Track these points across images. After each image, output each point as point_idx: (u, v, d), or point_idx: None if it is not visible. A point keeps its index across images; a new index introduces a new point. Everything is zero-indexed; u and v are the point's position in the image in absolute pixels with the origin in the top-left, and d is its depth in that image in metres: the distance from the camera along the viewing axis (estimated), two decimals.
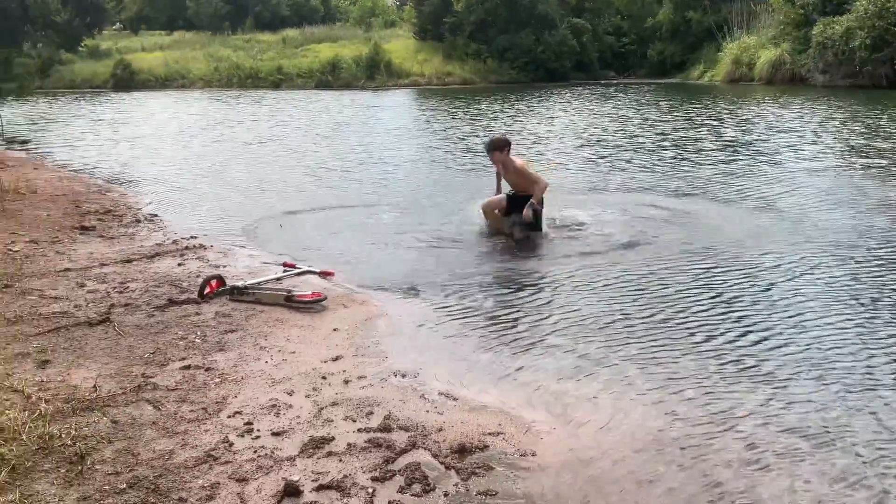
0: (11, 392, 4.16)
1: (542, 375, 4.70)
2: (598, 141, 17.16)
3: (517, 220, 8.25)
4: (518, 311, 6.00)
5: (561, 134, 18.80)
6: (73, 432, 3.76)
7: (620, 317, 5.78)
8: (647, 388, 4.48)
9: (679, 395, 4.38)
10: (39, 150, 17.59)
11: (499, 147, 8.29)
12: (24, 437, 3.64)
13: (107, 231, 8.64)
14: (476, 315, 5.92)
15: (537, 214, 8.28)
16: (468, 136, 18.42)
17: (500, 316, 5.89)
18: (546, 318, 5.81)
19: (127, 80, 48.96)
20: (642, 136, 18.04)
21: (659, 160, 14.03)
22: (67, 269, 6.90)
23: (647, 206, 9.90)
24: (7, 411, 3.83)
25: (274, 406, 4.21)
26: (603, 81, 48.63)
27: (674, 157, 14.31)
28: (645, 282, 6.67)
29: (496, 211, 8.52)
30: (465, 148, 16.43)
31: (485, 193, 9.33)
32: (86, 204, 10.24)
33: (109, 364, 4.75)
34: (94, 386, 4.37)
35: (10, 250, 7.40)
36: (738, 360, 4.88)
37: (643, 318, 5.75)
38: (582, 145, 16.50)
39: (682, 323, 5.62)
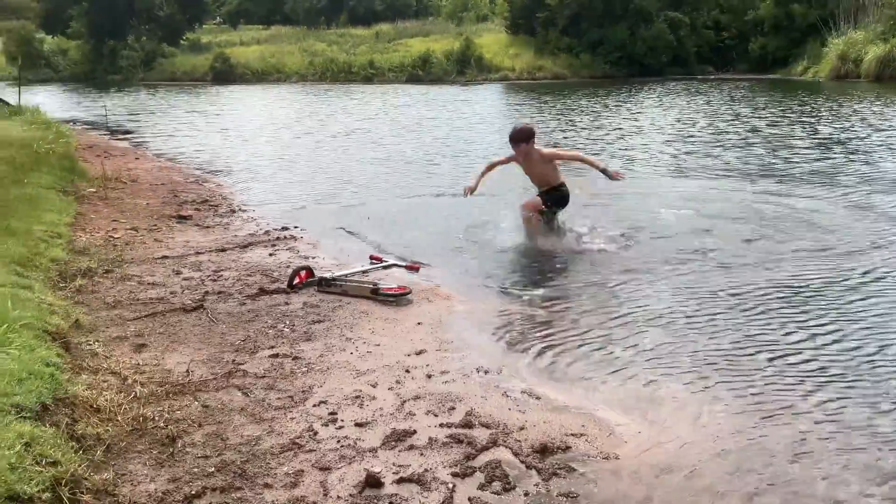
0: (109, 374, 4.34)
1: (627, 378, 4.61)
2: (687, 137, 16.74)
3: (607, 174, 7.61)
4: (604, 312, 5.90)
5: (647, 129, 18.43)
6: (166, 415, 3.90)
7: (705, 321, 5.62)
8: (731, 396, 4.34)
9: (764, 405, 4.22)
10: (141, 141, 18.31)
11: (527, 137, 7.60)
12: (119, 419, 3.78)
13: (203, 220, 8.91)
14: (561, 314, 5.85)
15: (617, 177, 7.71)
16: (553, 131, 18.24)
17: (585, 316, 5.81)
18: (631, 320, 5.70)
19: (225, 74, 50.41)
20: (732, 131, 17.51)
21: (746, 156, 13.59)
22: (165, 257, 7.15)
23: (730, 203, 9.60)
24: (105, 392, 3.99)
25: (358, 397, 4.26)
26: (700, 77, 47.39)
27: (762, 154, 13.84)
28: (729, 284, 6.46)
29: (536, 216, 7.93)
30: (548, 142, 16.27)
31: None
32: (183, 193, 10.59)
33: (202, 350, 4.90)
34: (187, 370, 4.51)
35: (112, 237, 7.72)
36: (823, 368, 4.68)
37: (729, 321, 5.57)
38: (667, 141, 16.13)
39: (768, 328, 5.42)
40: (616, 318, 5.73)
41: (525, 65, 48.46)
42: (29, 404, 3.36)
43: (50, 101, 31.42)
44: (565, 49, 49.12)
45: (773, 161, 13.15)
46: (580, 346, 5.17)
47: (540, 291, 6.41)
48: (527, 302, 6.14)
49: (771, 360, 4.85)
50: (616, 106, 25.44)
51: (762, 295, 6.16)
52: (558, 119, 21.32)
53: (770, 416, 4.08)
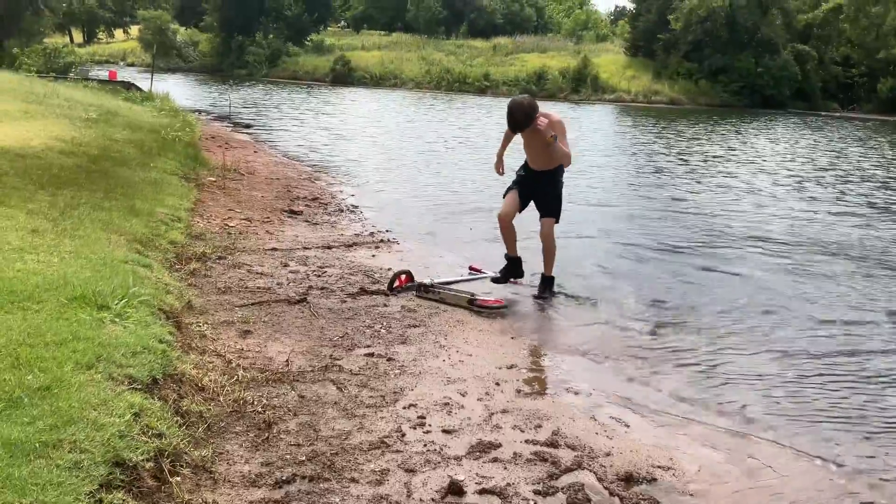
0: (215, 356, 4.54)
1: (724, 416, 4.52)
2: (786, 173, 16.18)
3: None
4: (710, 344, 5.79)
5: (739, 160, 17.89)
6: (265, 401, 4.05)
7: (813, 366, 5.44)
8: (839, 450, 4.19)
9: (874, 467, 4.06)
10: (261, 135, 19.01)
11: (533, 115, 6.27)
12: (221, 399, 3.96)
13: (312, 217, 9.19)
14: (662, 342, 5.77)
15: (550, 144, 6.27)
16: (656, 154, 17.95)
17: (687, 347, 5.71)
18: (737, 356, 5.57)
19: (345, 76, 51.79)
20: (834, 173, 16.82)
21: (839, 201, 13.03)
22: (274, 249, 7.42)
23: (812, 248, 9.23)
24: (210, 373, 4.18)
25: (447, 404, 4.32)
26: (823, 113, 45.73)
27: (858, 201, 13.24)
28: (847, 330, 6.23)
29: (513, 221, 6.76)
30: (654, 168, 16.02)
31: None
32: (296, 189, 10.95)
33: (302, 342, 5.07)
34: (287, 360, 4.68)
35: (227, 225, 8.06)
36: None
37: (846, 371, 5.38)
38: (755, 172, 15.63)
39: (873, 379, 5.20)
40: (721, 351, 5.61)
41: (641, 88, 47.90)
42: (141, 377, 3.56)
43: (179, 89, 32.94)
44: (685, 74, 48.24)
45: (871, 210, 12.57)
46: (677, 376, 5.09)
47: (641, 316, 6.35)
48: (625, 327, 6.09)
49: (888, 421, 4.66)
50: (724, 133, 24.81)
51: (884, 345, 5.91)
52: (668, 144, 20.97)
53: (878, 483, 3.92)
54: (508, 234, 6.73)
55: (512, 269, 6.82)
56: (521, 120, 6.28)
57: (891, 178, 17.29)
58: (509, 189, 6.79)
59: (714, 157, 19.55)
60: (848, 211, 12.36)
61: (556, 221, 6.70)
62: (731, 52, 48.17)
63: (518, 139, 6.79)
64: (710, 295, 7.15)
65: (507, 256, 6.83)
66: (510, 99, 6.48)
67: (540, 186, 6.68)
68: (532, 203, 6.80)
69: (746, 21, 48.27)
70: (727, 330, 6.16)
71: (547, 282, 6.76)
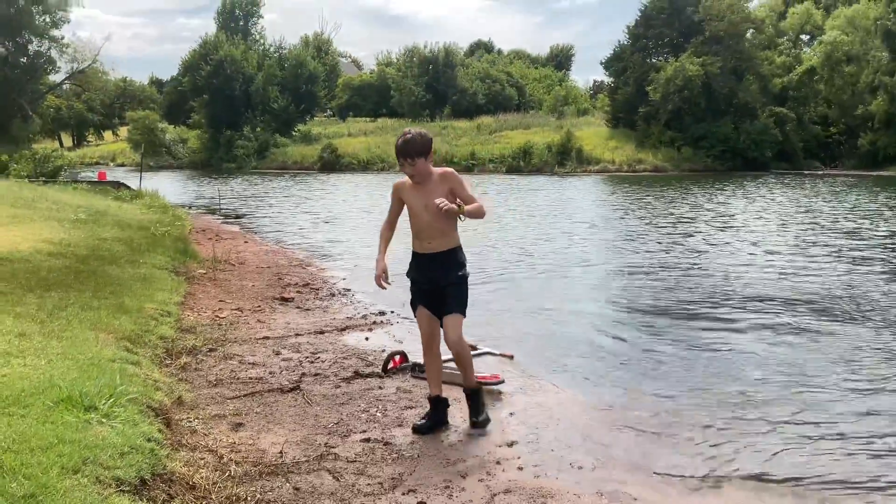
0: (206, 451, 4.43)
1: (731, 484, 4.40)
2: (761, 234, 16.28)
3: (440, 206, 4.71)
4: (708, 412, 5.69)
5: (716, 222, 18.03)
6: (258, 496, 3.93)
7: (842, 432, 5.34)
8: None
9: None
10: (251, 225, 19.11)
11: (426, 150, 4.91)
12: (213, 497, 3.83)
13: (304, 303, 9.14)
14: (663, 414, 5.67)
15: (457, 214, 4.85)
16: (646, 219, 18.07)
17: (691, 419, 5.61)
18: (737, 418, 5.47)
19: (332, 163, 52.47)
20: (816, 231, 16.93)
21: (826, 261, 13.06)
22: (266, 337, 7.34)
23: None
24: (201, 470, 4.06)
25: (447, 487, 4.20)
26: (806, 172, 46.38)
27: (849, 259, 13.28)
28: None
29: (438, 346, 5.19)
30: (641, 232, 16.10)
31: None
32: (287, 276, 10.92)
33: (296, 431, 4.96)
34: (281, 451, 4.56)
35: (218, 317, 7.99)
36: None
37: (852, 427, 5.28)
38: (733, 235, 15.71)
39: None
40: (722, 416, 5.51)
41: (625, 157, 48.62)
42: (129, 478, 3.46)
43: (169, 186, 33.25)
44: (667, 143, 49.08)
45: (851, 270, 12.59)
46: (684, 449, 4.98)
47: (645, 389, 6.26)
48: (624, 396, 6.00)
49: None
50: (703, 199, 25.07)
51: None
52: (651, 210, 21.15)
53: None
54: (433, 364, 5.17)
55: (439, 416, 5.15)
56: (413, 139, 4.85)
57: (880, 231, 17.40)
58: (414, 307, 5.15)
59: (708, 219, 19.71)
60: (844, 267, 12.38)
61: (464, 317, 5.04)
62: (711, 118, 49.14)
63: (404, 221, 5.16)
64: (718, 363, 7.09)
65: (430, 399, 5.17)
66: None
67: (443, 272, 4.97)
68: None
69: (723, 88, 49.37)
70: (735, 396, 6.07)
71: (475, 398, 5.18)
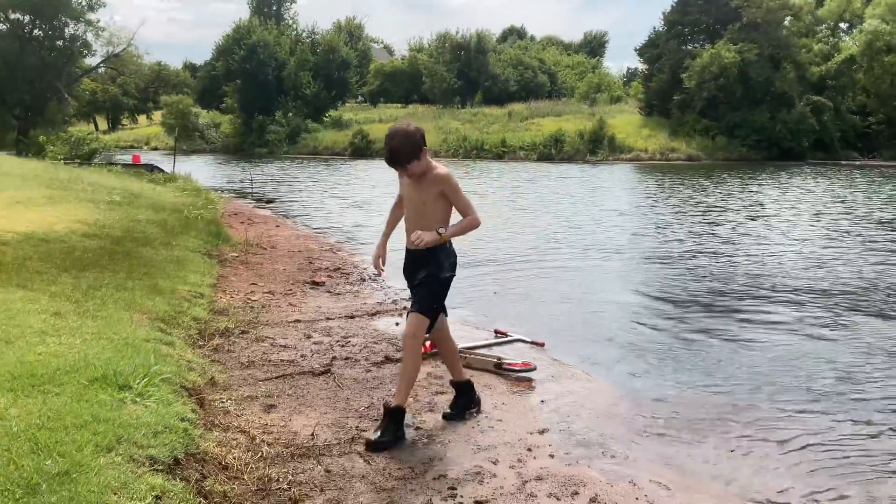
0: (239, 432, 4.44)
1: (772, 476, 4.33)
2: (816, 222, 16.01)
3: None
4: (741, 401, 5.61)
5: (749, 211, 17.77)
6: (290, 477, 3.93)
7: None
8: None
9: None
10: (282, 209, 19.19)
11: (416, 152, 4.48)
12: (245, 477, 3.84)
13: (335, 287, 9.15)
14: (695, 406, 5.60)
15: (436, 248, 4.64)
16: (674, 209, 17.87)
17: (725, 411, 5.53)
18: (773, 407, 5.39)
19: (363, 149, 52.48)
20: (851, 221, 16.62)
21: (859, 252, 12.82)
22: (297, 321, 7.36)
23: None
24: (233, 450, 4.08)
25: (478, 473, 4.17)
26: (844, 162, 45.52)
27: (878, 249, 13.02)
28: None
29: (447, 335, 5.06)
30: (673, 221, 15.93)
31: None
32: (318, 261, 10.94)
33: (327, 414, 4.96)
34: (312, 434, 4.56)
35: (250, 299, 8.03)
36: None
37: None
38: (765, 225, 15.46)
39: None
40: (758, 415, 5.43)
41: (658, 146, 48.03)
42: (162, 457, 3.47)
43: (201, 170, 33.51)
44: (702, 131, 48.39)
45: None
46: (716, 440, 4.91)
47: (676, 377, 6.20)
48: (656, 387, 5.94)
49: None
50: (731, 188, 24.74)
51: None
52: (685, 199, 20.91)
53: None
54: (446, 352, 5.07)
55: (466, 398, 5.06)
56: (398, 147, 4.43)
57: None
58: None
59: (740, 208, 19.46)
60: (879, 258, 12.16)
61: (431, 322, 4.68)
62: (746, 107, 48.38)
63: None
64: (751, 355, 7.00)
65: (452, 383, 5.12)
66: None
67: (414, 269, 4.74)
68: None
69: (759, 76, 48.58)
70: (767, 387, 5.99)
71: (395, 416, 4.52)
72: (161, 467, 3.40)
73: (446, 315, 4.94)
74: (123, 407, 3.84)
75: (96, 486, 3.01)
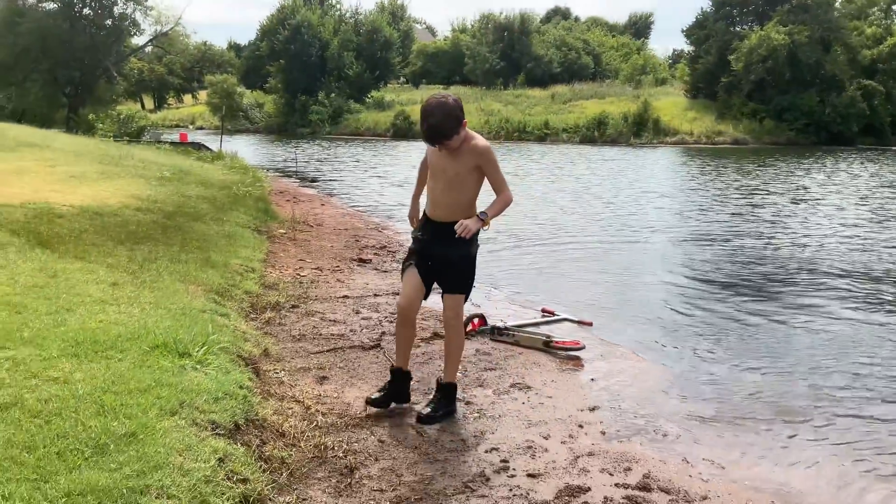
0: (293, 402, 4.51)
1: (826, 458, 4.29)
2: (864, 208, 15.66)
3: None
4: (797, 380, 5.55)
5: (797, 195, 17.42)
6: (345, 446, 4.00)
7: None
8: None
9: None
10: (326, 188, 19.33)
11: (457, 125, 4.19)
12: (302, 445, 3.91)
13: (381, 265, 9.21)
14: (749, 381, 5.56)
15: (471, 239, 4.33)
16: (720, 192, 17.61)
17: (779, 385, 5.48)
18: (823, 391, 5.32)
19: (405, 130, 52.48)
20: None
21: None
22: (345, 296, 7.43)
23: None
24: (289, 419, 4.15)
25: (530, 447, 4.19)
26: (895, 148, 44.44)
27: None
28: None
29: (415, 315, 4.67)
30: (720, 203, 15.71)
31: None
32: (364, 239, 11.02)
33: (379, 387, 5.00)
34: (365, 406, 4.61)
35: (299, 275, 8.12)
36: None
37: None
38: (810, 208, 15.15)
39: None
40: (811, 390, 5.37)
41: (704, 129, 47.33)
42: (223, 422, 3.55)
43: (246, 149, 33.82)
44: (749, 115, 47.53)
45: None
46: (772, 416, 4.89)
47: (727, 355, 6.17)
48: (707, 367, 5.90)
49: None
50: (810, 172, 24.30)
51: None
52: (732, 182, 20.61)
53: None
54: (406, 333, 4.61)
55: (397, 389, 4.63)
56: (438, 124, 4.12)
57: None
58: (405, 265, 4.59)
59: (788, 191, 19.14)
60: None
61: (466, 299, 4.59)
62: (795, 90, 47.39)
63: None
64: (801, 337, 6.91)
65: (393, 370, 4.64)
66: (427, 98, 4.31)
67: (442, 246, 4.41)
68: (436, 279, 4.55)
69: (809, 59, 47.52)
70: (818, 372, 5.91)
71: (447, 392, 4.59)
72: (222, 432, 3.47)
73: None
74: (184, 373, 3.92)
75: (162, 447, 3.09)
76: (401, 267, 4.66)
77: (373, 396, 4.53)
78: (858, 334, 6.95)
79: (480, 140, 4.33)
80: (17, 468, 2.79)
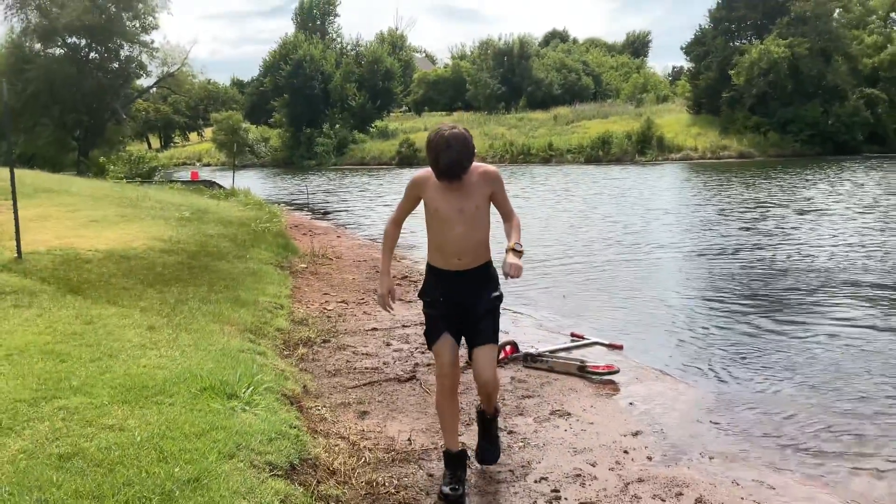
0: (339, 438, 4.54)
1: (880, 473, 4.30)
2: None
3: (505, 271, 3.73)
4: (840, 399, 5.56)
5: (807, 208, 17.42)
6: (395, 481, 4.01)
7: None
8: None
9: None
10: (340, 220, 19.43)
11: (473, 156, 3.80)
12: (353, 482, 3.93)
13: (405, 295, 9.23)
14: (785, 398, 5.57)
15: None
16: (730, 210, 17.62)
17: (814, 408, 5.49)
18: (860, 405, 5.33)
19: (410, 157, 52.79)
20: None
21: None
22: (375, 329, 7.46)
23: None
24: (339, 456, 4.17)
25: (579, 476, 4.20)
26: None
27: None
28: None
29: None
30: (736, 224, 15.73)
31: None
32: None
33: (420, 419, 5.03)
34: (409, 439, 4.64)
35: (326, 309, 8.17)
36: None
37: None
38: (820, 220, 15.14)
39: None
40: (847, 406, 5.37)
41: (708, 144, 47.48)
42: (280, 463, 3.58)
43: (256, 184, 34.04)
44: (753, 128, 47.68)
45: None
46: (815, 436, 4.88)
47: (755, 375, 6.16)
48: (742, 385, 5.91)
49: None
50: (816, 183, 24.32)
51: None
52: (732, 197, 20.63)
53: None
54: (452, 408, 4.02)
55: (462, 468, 4.00)
56: (460, 159, 3.68)
57: None
58: (436, 333, 3.97)
59: (797, 204, 19.15)
60: None
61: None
62: (798, 101, 47.54)
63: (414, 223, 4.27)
64: (828, 351, 6.92)
65: (451, 455, 3.97)
66: (433, 132, 3.80)
67: (474, 296, 3.95)
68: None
69: (810, 70, 47.71)
70: (850, 386, 5.91)
71: (488, 422, 4.21)
72: (280, 473, 3.50)
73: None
74: (235, 415, 3.96)
75: (227, 490, 3.12)
76: (427, 339, 4.05)
77: (446, 491, 3.83)
78: (881, 343, 6.95)
79: (486, 165, 3.98)
80: None
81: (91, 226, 10.53)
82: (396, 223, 4.20)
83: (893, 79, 50.02)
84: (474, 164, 3.82)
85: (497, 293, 3.99)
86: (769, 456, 4.56)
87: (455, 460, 3.94)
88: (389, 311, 4.27)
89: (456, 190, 3.79)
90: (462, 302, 3.91)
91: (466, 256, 3.88)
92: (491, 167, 3.97)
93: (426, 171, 3.87)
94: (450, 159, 3.65)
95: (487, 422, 4.22)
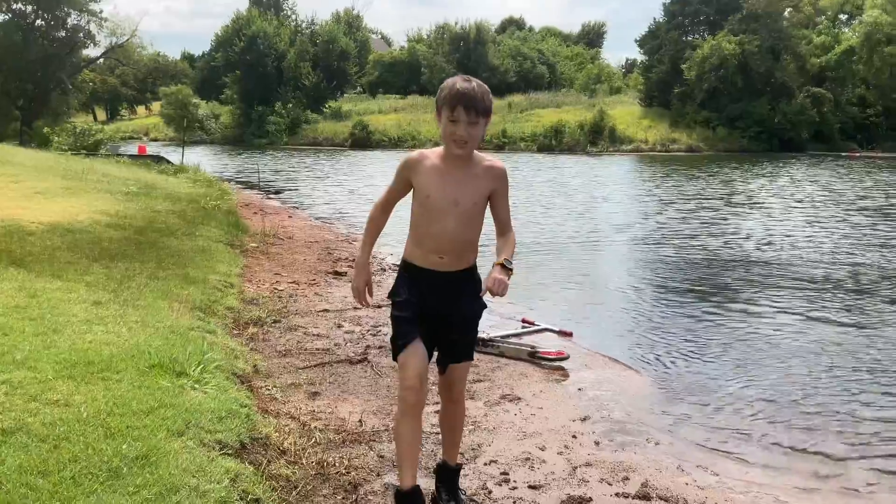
0: (289, 418, 4.51)
1: (821, 459, 4.44)
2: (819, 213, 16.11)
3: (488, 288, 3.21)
4: (783, 388, 5.71)
5: (750, 201, 17.88)
6: (346, 462, 4.00)
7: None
8: None
9: None
10: (291, 200, 19.25)
11: (491, 110, 3.25)
12: (304, 462, 3.91)
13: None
14: (728, 383, 5.71)
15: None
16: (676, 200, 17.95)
17: (764, 385, 5.64)
18: (799, 389, 5.49)
19: (363, 140, 52.56)
20: (837, 209, 16.75)
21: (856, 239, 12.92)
22: (326, 310, 7.42)
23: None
24: (289, 436, 4.14)
25: (528, 459, 4.25)
26: (844, 154, 45.67)
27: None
28: None
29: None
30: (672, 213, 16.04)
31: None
32: (336, 251, 11.01)
33: (371, 401, 5.03)
34: (360, 420, 4.63)
35: (277, 289, 8.09)
36: None
37: None
38: (761, 213, 15.57)
39: None
40: (801, 392, 5.53)
41: (658, 137, 48.20)
42: (230, 442, 3.54)
43: (205, 160, 33.46)
44: (702, 122, 48.54)
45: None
46: (761, 423, 5.02)
47: (699, 361, 6.31)
48: (687, 372, 6.03)
49: None
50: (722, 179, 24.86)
51: None
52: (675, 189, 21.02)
53: None
54: (414, 431, 3.36)
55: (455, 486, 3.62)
56: (482, 91, 3.15)
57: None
58: (405, 339, 3.37)
59: (744, 198, 19.57)
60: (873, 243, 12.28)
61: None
62: (747, 98, 48.50)
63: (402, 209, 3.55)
64: (773, 338, 7.11)
65: (404, 494, 3.29)
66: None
67: (450, 304, 3.41)
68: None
69: (759, 67, 48.69)
70: (795, 372, 6.09)
71: (452, 477, 3.62)
72: (230, 451, 3.47)
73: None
74: (184, 393, 3.91)
75: (176, 468, 3.08)
76: (392, 346, 3.47)
77: None
78: (817, 329, 7.21)
79: (494, 159, 3.43)
80: (33, 494, 2.76)
81: (34, 198, 10.25)
82: (384, 208, 3.55)
83: (839, 79, 51.35)
84: (482, 154, 3.35)
85: (483, 306, 3.50)
86: (713, 442, 4.66)
87: (405, 498, 3.28)
88: (365, 306, 3.84)
89: (452, 176, 3.27)
90: (437, 307, 3.36)
91: (450, 257, 3.36)
92: (499, 162, 3.41)
93: (421, 151, 3.40)
94: (467, 88, 3.12)
95: (452, 472, 3.61)
